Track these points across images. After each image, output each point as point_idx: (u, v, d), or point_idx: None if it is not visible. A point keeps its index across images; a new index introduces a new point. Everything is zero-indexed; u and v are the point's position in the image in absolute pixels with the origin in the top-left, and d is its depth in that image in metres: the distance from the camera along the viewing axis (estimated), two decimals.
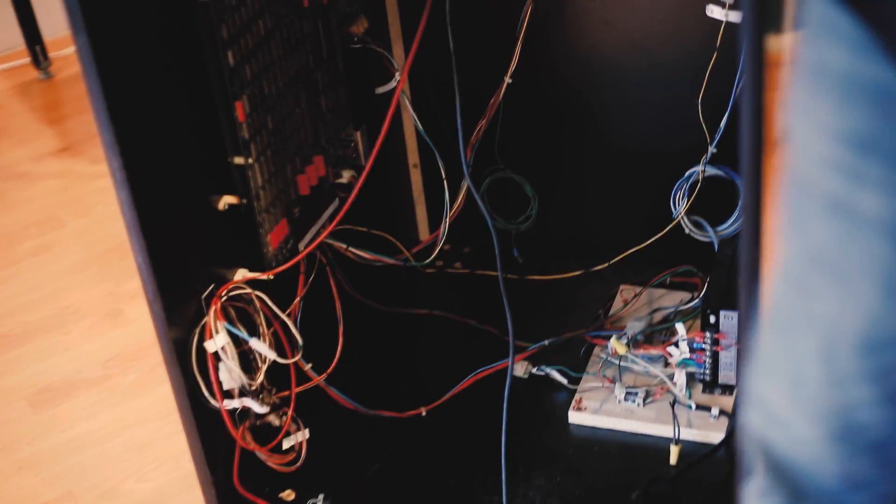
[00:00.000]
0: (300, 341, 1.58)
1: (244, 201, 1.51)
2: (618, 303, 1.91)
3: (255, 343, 1.51)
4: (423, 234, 2.12)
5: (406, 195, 2.08)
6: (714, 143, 1.75)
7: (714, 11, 1.66)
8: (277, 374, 1.57)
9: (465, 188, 1.91)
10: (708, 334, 1.66)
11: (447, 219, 1.80)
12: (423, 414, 1.76)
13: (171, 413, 1.98)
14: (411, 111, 1.73)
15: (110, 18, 1.28)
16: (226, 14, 1.40)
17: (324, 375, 1.67)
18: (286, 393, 1.61)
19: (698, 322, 1.78)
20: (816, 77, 0.82)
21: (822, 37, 0.81)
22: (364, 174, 1.57)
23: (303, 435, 1.63)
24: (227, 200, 1.51)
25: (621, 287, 1.95)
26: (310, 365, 1.65)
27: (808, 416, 0.92)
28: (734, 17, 1.64)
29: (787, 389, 0.93)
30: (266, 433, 1.60)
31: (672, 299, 1.89)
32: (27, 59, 3.23)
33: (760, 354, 0.97)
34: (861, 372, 0.88)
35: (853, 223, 0.83)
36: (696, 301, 1.83)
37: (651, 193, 1.89)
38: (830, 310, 0.87)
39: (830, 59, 0.81)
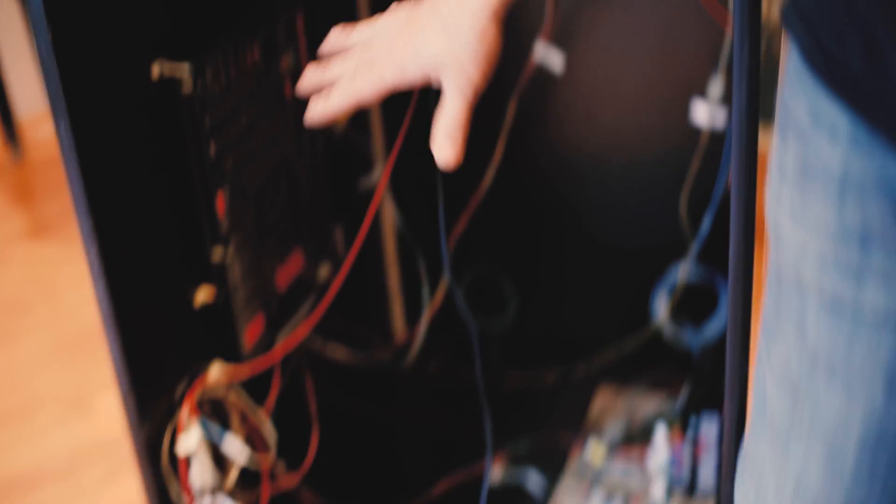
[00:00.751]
0: (275, 440, 1.54)
1: (221, 295, 1.49)
2: (595, 405, 1.89)
3: (228, 443, 1.47)
4: (399, 331, 2.09)
5: (381, 292, 2.06)
6: (697, 244, 1.74)
7: (700, 111, 1.66)
8: (250, 472, 1.53)
9: (443, 285, 1.89)
10: (688, 439, 1.64)
11: (426, 317, 1.78)
12: None
13: None
14: (393, 206, 1.72)
15: (92, 105, 1.26)
16: (209, 104, 1.39)
17: (298, 475, 1.63)
18: (259, 492, 1.57)
19: (678, 426, 1.76)
20: (808, 178, 0.81)
21: (813, 135, 0.80)
22: (345, 270, 1.55)
23: None
24: (204, 294, 1.48)
25: (598, 389, 1.92)
26: (283, 464, 1.61)
27: None
28: (719, 120, 1.64)
29: (788, 494, 0.91)
30: None
31: (649, 401, 1.87)
32: None
33: (756, 459, 0.95)
34: (868, 470, 0.86)
35: (856, 321, 0.81)
36: (677, 405, 1.81)
37: (632, 294, 1.88)
38: (834, 411, 0.85)
39: (825, 157, 0.79)
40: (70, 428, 2.18)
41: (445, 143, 1.07)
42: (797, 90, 0.82)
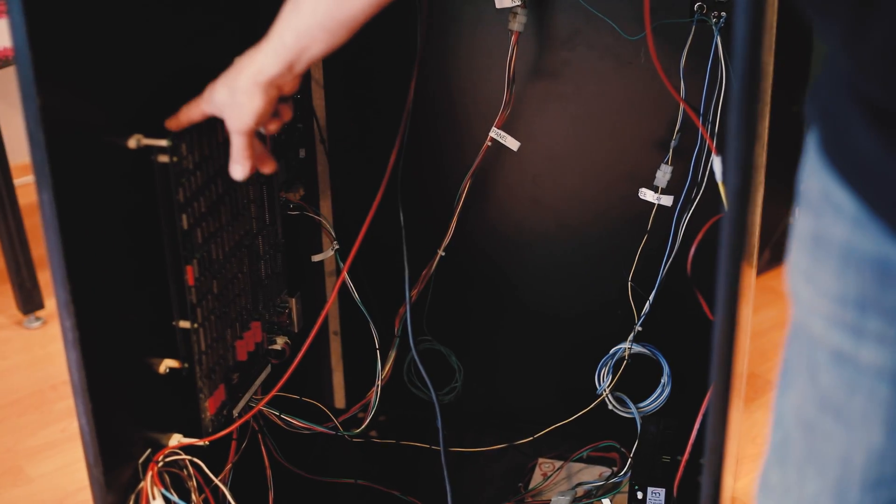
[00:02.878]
0: None
1: (186, 365, 1.50)
2: (537, 476, 1.93)
3: None
4: (339, 401, 2.12)
5: (325, 362, 2.08)
6: (640, 322, 1.80)
7: (646, 194, 1.72)
8: None
9: (391, 358, 1.92)
10: None
11: (378, 389, 1.81)
12: None
13: None
14: (348, 281, 1.75)
15: (76, 177, 1.28)
16: (183, 177, 1.42)
17: None
18: None
19: (620, 497, 1.80)
20: (818, 247, 0.91)
21: (824, 211, 0.90)
22: (307, 344, 1.58)
23: None
24: (169, 364, 1.50)
25: (539, 460, 1.96)
26: None
27: None
28: (666, 200, 1.70)
29: None
30: None
31: (591, 474, 1.91)
32: None
33: (777, 488, 1.02)
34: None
35: (857, 371, 0.91)
36: (620, 476, 1.85)
37: (574, 369, 1.93)
38: (840, 450, 0.94)
39: (832, 231, 0.89)
40: (2, 495, 2.16)
41: (234, 167, 1.46)
42: (812, 170, 0.92)
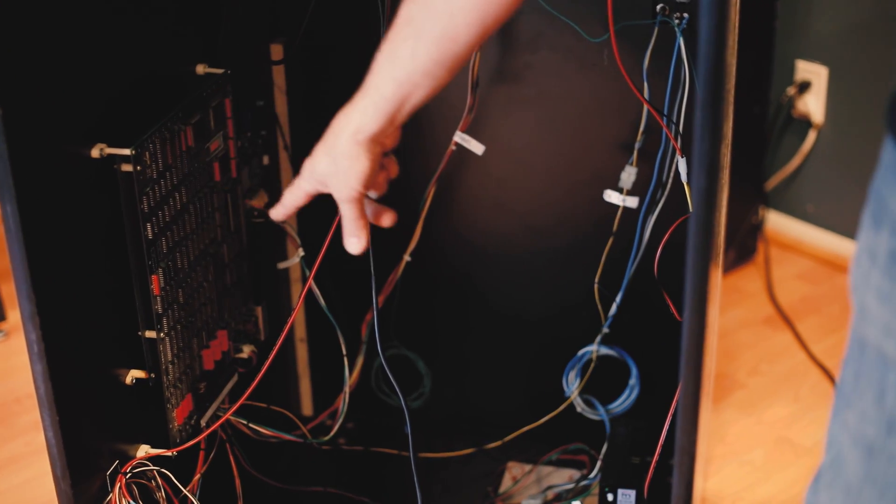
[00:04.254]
0: None
1: (152, 376, 1.49)
2: (506, 480, 1.93)
3: None
4: (306, 408, 2.11)
5: (292, 370, 2.07)
6: (607, 324, 1.80)
7: (611, 196, 1.72)
8: None
9: (359, 364, 1.91)
10: None
11: (346, 395, 1.80)
12: None
13: None
14: (314, 288, 1.74)
15: (39, 188, 1.28)
16: (146, 186, 1.41)
17: None
18: None
19: (590, 499, 1.81)
20: None
21: None
22: (273, 352, 1.57)
23: None
24: (135, 374, 1.49)
25: (509, 464, 1.96)
26: None
27: None
28: (631, 202, 1.70)
29: None
30: None
31: (560, 476, 1.91)
32: None
33: None
34: None
35: None
36: (590, 478, 1.85)
37: (542, 372, 1.93)
38: None
39: None
40: None
41: (349, 240, 1.44)
42: (892, 184, 0.88)
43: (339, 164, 1.36)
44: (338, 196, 1.40)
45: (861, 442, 0.96)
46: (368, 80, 1.33)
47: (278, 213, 1.50)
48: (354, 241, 1.43)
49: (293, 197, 1.46)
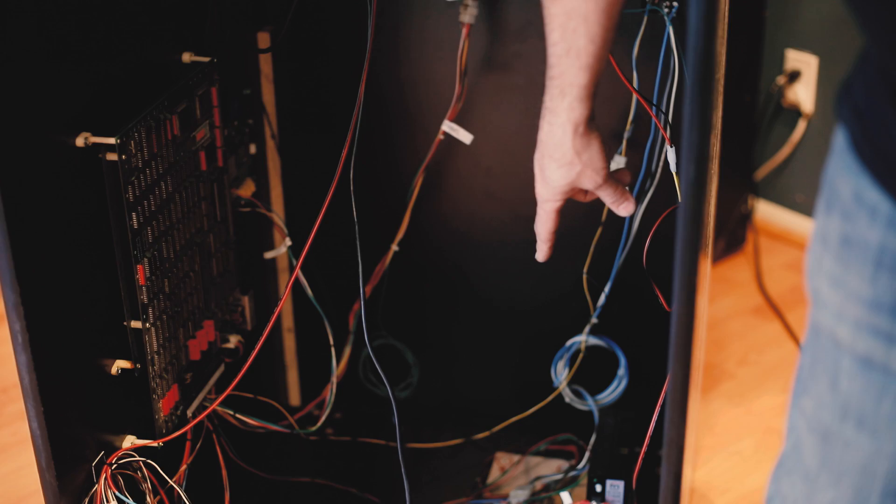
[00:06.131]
0: None
1: (138, 366, 1.48)
2: (494, 470, 1.92)
3: None
4: (293, 398, 2.10)
5: (279, 360, 2.06)
6: (596, 314, 1.79)
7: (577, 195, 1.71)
8: None
9: (346, 355, 1.90)
10: (594, 503, 1.68)
11: (334, 386, 1.79)
12: None
13: None
14: (301, 277, 1.73)
15: (23, 176, 1.26)
16: (132, 176, 1.40)
17: None
18: None
19: (578, 490, 1.80)
20: (849, 250, 0.88)
21: (856, 213, 0.87)
22: (260, 342, 1.56)
23: None
24: (121, 365, 1.48)
25: (497, 455, 1.96)
26: None
27: None
28: None
29: None
30: None
31: (549, 467, 1.91)
32: None
33: (788, 497, 1.02)
34: None
35: (886, 378, 0.89)
36: (578, 469, 1.85)
37: (530, 362, 1.92)
38: (860, 458, 0.93)
39: (865, 234, 0.87)
40: None
41: (623, 206, 1.49)
42: (842, 170, 0.89)
43: (580, 160, 1.40)
44: (593, 186, 1.44)
45: (817, 428, 0.96)
46: (554, 83, 1.36)
47: (543, 252, 1.56)
48: (627, 205, 1.48)
49: (547, 224, 1.52)
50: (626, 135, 1.69)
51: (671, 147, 1.57)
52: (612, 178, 1.45)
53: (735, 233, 2.74)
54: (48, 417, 1.34)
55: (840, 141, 0.90)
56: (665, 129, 1.61)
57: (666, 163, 1.63)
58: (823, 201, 0.91)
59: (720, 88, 1.54)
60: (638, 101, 1.66)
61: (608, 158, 1.44)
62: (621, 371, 1.81)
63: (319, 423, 1.81)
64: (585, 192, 1.48)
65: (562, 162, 1.41)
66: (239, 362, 1.67)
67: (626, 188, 1.49)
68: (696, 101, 1.05)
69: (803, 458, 0.98)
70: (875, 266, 0.87)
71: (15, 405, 2.34)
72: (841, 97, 0.90)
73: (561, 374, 1.83)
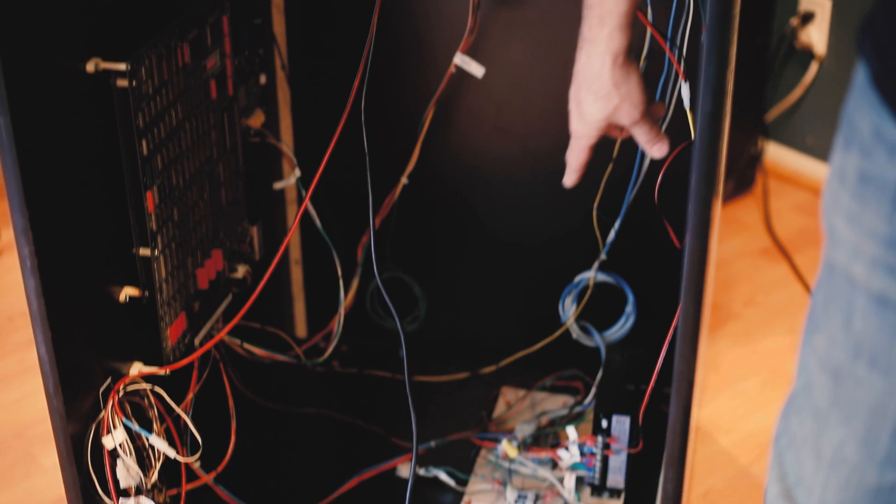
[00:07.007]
0: (199, 440, 1.54)
1: (146, 294, 1.48)
2: (500, 405, 1.93)
3: (154, 440, 1.47)
4: (300, 330, 2.10)
5: (286, 292, 2.06)
6: (605, 250, 1.79)
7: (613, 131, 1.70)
8: (164, 471, 1.53)
9: (354, 287, 1.90)
10: (599, 439, 1.68)
11: (341, 317, 1.79)
12: None
13: None
14: (311, 208, 1.73)
15: (33, 101, 1.25)
16: (142, 102, 1.39)
17: (214, 473, 1.63)
18: (174, 491, 1.57)
19: (584, 425, 1.80)
20: (867, 187, 0.87)
21: (875, 150, 0.86)
22: (269, 272, 1.56)
23: None
24: (129, 292, 1.48)
25: (503, 389, 1.96)
26: (198, 462, 1.61)
27: (839, 497, 0.98)
28: None
29: (824, 469, 0.98)
30: None
31: (554, 402, 1.91)
32: None
33: (798, 434, 1.02)
34: None
35: None
36: (584, 405, 1.85)
37: (538, 297, 1.92)
38: (872, 397, 0.92)
39: (884, 171, 0.86)
40: None
41: (657, 146, 1.46)
42: (862, 106, 0.87)
43: (619, 92, 1.38)
44: (629, 122, 1.41)
45: (828, 367, 0.96)
46: (593, 12, 1.35)
47: (571, 178, 1.52)
48: (660, 146, 1.45)
49: (579, 158, 1.48)
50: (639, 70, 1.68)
51: (685, 82, 1.55)
52: (649, 115, 1.43)
53: (744, 174, 2.73)
54: (56, 343, 1.34)
55: (860, 77, 0.89)
56: (679, 63, 1.60)
57: (679, 99, 1.62)
58: (842, 138, 0.90)
59: (735, 25, 1.53)
60: (652, 35, 1.65)
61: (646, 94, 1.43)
62: (629, 308, 1.81)
63: (326, 355, 1.81)
64: (621, 128, 1.46)
65: (599, 94, 1.38)
66: (246, 292, 1.66)
67: (661, 128, 1.47)
68: (713, 33, 1.04)
69: (814, 396, 0.98)
70: (893, 203, 0.86)
71: (20, 333, 2.35)
72: (862, 32, 0.89)
73: (569, 309, 1.83)
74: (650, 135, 1.44)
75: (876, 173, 0.86)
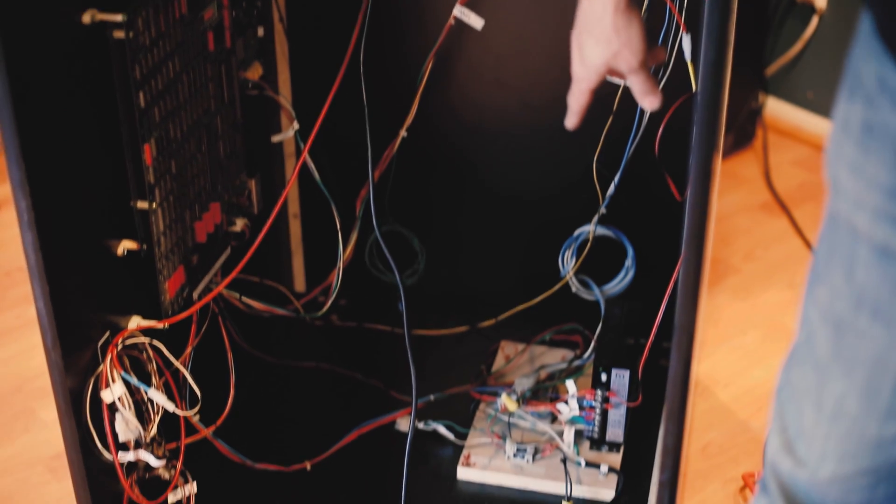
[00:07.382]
0: (198, 394, 1.54)
1: (144, 247, 1.48)
2: (499, 359, 1.92)
3: (153, 393, 1.47)
4: (299, 285, 2.10)
5: (284, 245, 2.06)
6: (605, 204, 1.78)
7: (612, 75, 1.68)
8: (163, 425, 1.53)
9: (353, 240, 1.90)
10: (598, 392, 1.68)
11: (340, 271, 1.79)
12: (308, 468, 1.73)
13: (35, 464, 1.92)
14: (309, 162, 1.72)
15: (29, 53, 1.24)
16: (139, 54, 1.38)
17: (212, 427, 1.63)
18: (173, 445, 1.57)
19: (583, 379, 1.80)
20: (871, 136, 0.86)
21: (880, 99, 0.85)
22: (267, 225, 1.55)
23: (191, 488, 1.59)
24: (127, 245, 1.47)
25: (502, 343, 1.96)
26: (197, 416, 1.61)
27: (840, 449, 0.98)
28: None
29: (825, 420, 0.98)
30: (151, 486, 1.55)
31: (553, 356, 1.91)
32: None
33: (799, 385, 1.01)
34: None
35: None
36: (583, 358, 1.85)
37: (538, 251, 1.92)
38: (874, 349, 0.92)
39: (889, 120, 0.85)
40: None
41: (648, 98, 1.43)
42: (867, 56, 0.86)
43: (619, 38, 1.36)
44: (627, 69, 1.39)
45: (831, 318, 0.95)
46: None
47: (572, 121, 1.50)
48: (652, 98, 1.43)
49: (580, 101, 1.46)
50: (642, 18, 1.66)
51: (686, 34, 1.54)
52: (646, 65, 1.41)
53: (744, 128, 2.72)
54: (54, 296, 1.33)
55: (865, 26, 0.88)
56: (680, 15, 1.59)
57: (679, 51, 1.61)
58: (846, 88, 0.90)
59: None
60: None
61: (647, 43, 1.41)
62: (628, 262, 1.81)
63: (325, 309, 1.81)
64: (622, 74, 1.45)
65: (600, 38, 1.37)
66: (245, 246, 1.66)
67: (658, 83, 1.45)
68: None
69: (815, 348, 0.98)
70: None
71: (19, 288, 2.35)
72: None
73: (568, 263, 1.82)
74: (645, 85, 1.42)
75: (880, 122, 0.85)
